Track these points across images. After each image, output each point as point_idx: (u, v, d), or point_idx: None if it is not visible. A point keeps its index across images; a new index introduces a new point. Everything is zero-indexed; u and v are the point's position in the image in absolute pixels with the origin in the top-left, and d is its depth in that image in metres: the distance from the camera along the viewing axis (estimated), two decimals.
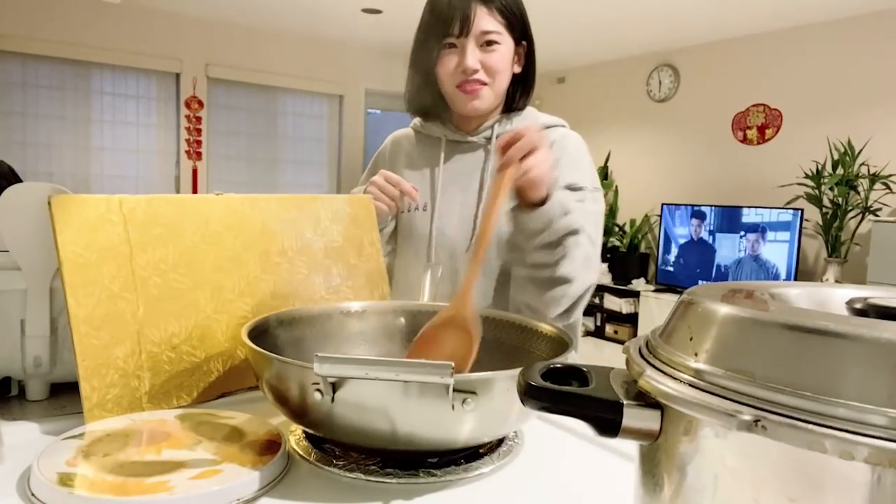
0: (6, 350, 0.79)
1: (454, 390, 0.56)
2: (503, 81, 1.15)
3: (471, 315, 0.76)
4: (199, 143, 5.17)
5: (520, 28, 1.15)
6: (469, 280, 0.79)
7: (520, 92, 1.21)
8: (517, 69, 1.18)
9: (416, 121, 1.29)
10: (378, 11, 4.62)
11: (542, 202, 0.96)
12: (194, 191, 5.13)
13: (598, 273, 1.09)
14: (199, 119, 5.16)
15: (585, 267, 1.02)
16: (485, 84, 1.13)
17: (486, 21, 1.10)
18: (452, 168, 1.22)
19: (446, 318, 0.77)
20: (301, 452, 0.67)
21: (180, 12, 4.94)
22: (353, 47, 5.75)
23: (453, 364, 0.54)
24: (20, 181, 2.08)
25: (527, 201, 0.97)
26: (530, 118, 1.21)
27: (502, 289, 1.13)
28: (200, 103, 5.16)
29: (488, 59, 1.12)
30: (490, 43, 1.11)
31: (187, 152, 5.14)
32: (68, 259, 0.71)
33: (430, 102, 1.20)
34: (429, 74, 1.16)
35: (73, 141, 4.74)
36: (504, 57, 1.13)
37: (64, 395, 0.83)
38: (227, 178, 5.33)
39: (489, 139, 1.20)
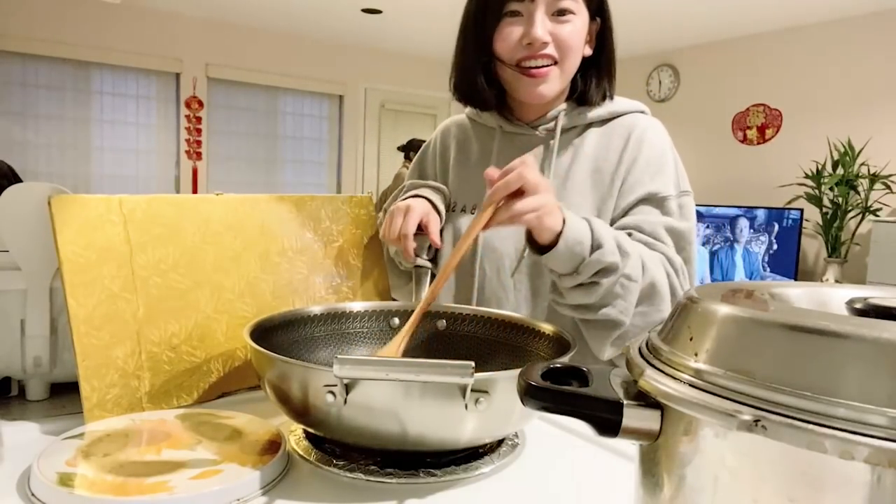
0: (6, 350, 0.79)
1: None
2: (574, 62, 0.96)
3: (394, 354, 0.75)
4: (199, 143, 5.17)
5: (597, 0, 0.97)
6: (408, 327, 0.77)
7: (594, 80, 1.00)
8: (587, 51, 0.98)
9: (469, 108, 1.10)
10: (378, 11, 4.62)
11: (553, 244, 0.79)
12: (194, 191, 5.13)
13: (671, 305, 0.86)
14: (199, 119, 5.16)
15: (647, 300, 0.85)
16: (554, 63, 0.94)
17: None
18: (509, 163, 1.10)
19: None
20: (301, 452, 0.67)
21: (180, 12, 4.95)
22: (353, 47, 5.75)
23: (473, 364, 0.54)
24: (20, 181, 2.09)
25: (536, 244, 0.81)
26: (603, 108, 1.01)
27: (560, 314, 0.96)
28: (200, 103, 5.16)
29: (560, 30, 0.92)
30: (563, 12, 0.92)
31: (187, 152, 5.14)
32: (68, 259, 0.71)
33: (482, 87, 0.99)
34: (482, 50, 0.96)
35: (73, 141, 4.74)
36: (579, 31, 0.94)
37: (64, 395, 0.83)
38: (227, 178, 5.33)
39: (552, 131, 1.01)
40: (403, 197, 1.02)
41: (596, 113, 1.00)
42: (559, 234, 0.78)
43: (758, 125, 4.73)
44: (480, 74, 0.99)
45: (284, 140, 5.63)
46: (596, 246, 0.80)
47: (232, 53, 5.23)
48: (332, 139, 5.89)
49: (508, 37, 0.93)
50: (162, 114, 5.08)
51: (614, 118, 1.01)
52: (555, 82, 0.95)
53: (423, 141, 5.51)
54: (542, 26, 0.91)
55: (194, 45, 5.08)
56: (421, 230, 0.93)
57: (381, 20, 4.84)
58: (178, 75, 5.08)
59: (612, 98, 1.02)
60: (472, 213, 1.03)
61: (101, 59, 4.75)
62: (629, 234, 0.91)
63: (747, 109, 4.78)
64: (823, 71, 4.39)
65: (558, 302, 0.88)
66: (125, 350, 0.74)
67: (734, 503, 0.32)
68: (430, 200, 0.98)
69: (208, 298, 0.82)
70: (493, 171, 0.75)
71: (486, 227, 0.75)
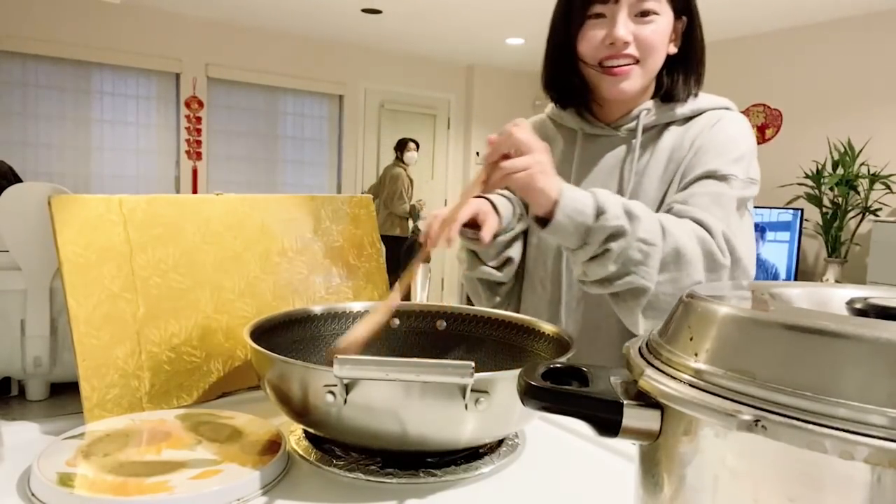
0: (6, 350, 0.79)
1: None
2: (657, 61, 0.97)
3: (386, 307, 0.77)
4: (199, 143, 5.17)
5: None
6: (403, 279, 0.79)
7: (679, 77, 1.00)
8: (672, 49, 0.99)
9: (550, 108, 1.12)
10: (378, 11, 4.62)
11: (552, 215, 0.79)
12: (194, 191, 5.13)
13: (705, 271, 0.85)
14: (199, 119, 5.16)
15: (673, 265, 0.83)
16: (636, 62, 0.95)
17: None
18: (589, 165, 1.04)
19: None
20: (301, 452, 0.67)
21: (180, 12, 4.94)
22: (353, 47, 5.75)
23: (473, 364, 0.54)
24: (20, 181, 2.08)
25: (534, 215, 0.82)
26: (688, 105, 1.01)
27: (602, 299, 0.95)
28: (200, 103, 5.16)
29: (642, 31, 0.93)
30: (646, 13, 0.93)
31: (187, 152, 5.14)
32: (68, 259, 0.71)
33: (570, 85, 1.03)
34: (569, 50, 0.99)
35: (73, 141, 4.74)
36: (661, 31, 0.95)
37: (64, 395, 0.83)
38: (227, 178, 5.33)
39: (633, 131, 1.01)
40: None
41: (679, 110, 1.01)
42: (554, 204, 0.79)
43: (758, 125, 4.73)
44: (567, 74, 1.02)
45: (284, 140, 5.63)
46: (599, 212, 0.79)
47: (232, 53, 5.23)
48: (332, 139, 5.89)
49: (592, 38, 0.95)
50: (162, 114, 5.08)
51: (697, 115, 1.01)
52: (636, 79, 0.97)
53: (411, 140, 5.45)
54: (625, 27, 0.93)
55: (194, 45, 5.08)
56: (476, 226, 0.92)
57: (381, 20, 4.84)
58: (178, 75, 5.08)
59: (696, 95, 1.02)
60: None
61: (101, 59, 4.75)
62: (669, 210, 0.91)
63: (747, 109, 4.77)
64: (823, 71, 4.39)
65: (584, 282, 0.87)
66: (125, 350, 0.74)
67: (734, 503, 0.32)
68: (491, 202, 0.97)
69: (208, 298, 0.82)
70: (492, 136, 0.78)
71: (483, 190, 0.78)
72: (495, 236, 0.97)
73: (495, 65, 6.35)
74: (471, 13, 4.57)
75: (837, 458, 0.27)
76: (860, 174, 4.02)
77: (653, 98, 1.02)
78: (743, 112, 4.68)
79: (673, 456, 0.35)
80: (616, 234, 0.80)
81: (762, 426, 0.29)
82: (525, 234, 1.08)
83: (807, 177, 4.19)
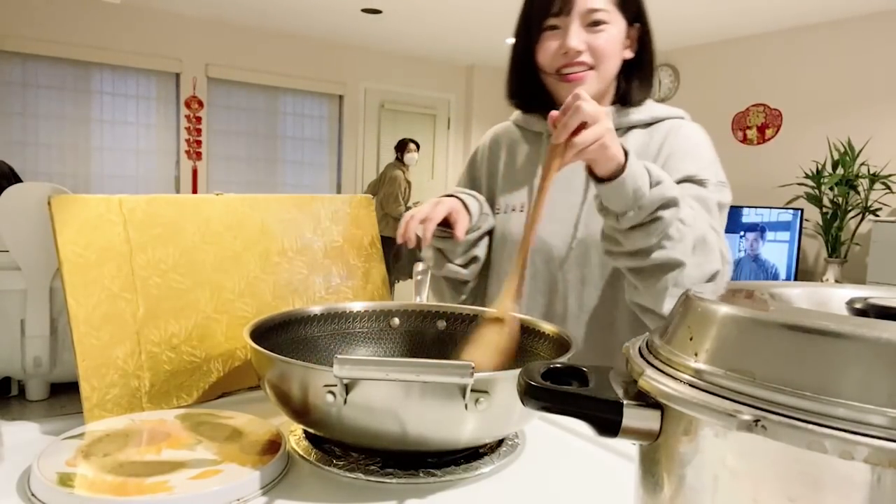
0: (6, 350, 0.79)
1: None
2: (611, 66, 1.02)
3: (508, 317, 0.77)
4: (199, 143, 5.17)
5: (634, 7, 1.03)
6: (510, 283, 0.78)
7: (635, 82, 1.07)
8: (628, 54, 1.05)
9: (516, 114, 1.18)
10: (378, 11, 4.62)
11: (618, 174, 0.81)
12: (194, 191, 5.13)
13: (724, 262, 0.90)
14: (199, 119, 5.16)
15: (699, 250, 0.86)
16: (591, 68, 1.01)
17: None
18: None
19: (490, 322, 0.78)
20: (301, 452, 0.66)
21: (180, 12, 4.95)
22: (353, 47, 5.75)
23: (473, 364, 0.54)
24: (20, 181, 2.08)
25: (598, 177, 0.82)
26: (645, 110, 1.07)
27: (610, 298, 1.01)
28: (200, 103, 5.16)
29: (594, 40, 0.99)
30: (597, 23, 0.99)
31: (187, 152, 5.14)
32: (68, 259, 0.71)
33: (532, 92, 1.09)
34: (529, 61, 1.05)
35: (73, 141, 4.74)
36: (613, 39, 1.01)
37: (64, 395, 0.83)
38: (227, 178, 5.33)
39: None
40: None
41: (638, 116, 1.06)
42: (623, 166, 0.80)
43: (758, 125, 4.73)
44: (529, 82, 1.08)
45: (284, 140, 5.63)
46: (656, 181, 0.82)
47: (232, 53, 5.23)
48: (332, 139, 5.89)
49: (548, 49, 1.02)
50: (162, 114, 5.08)
51: (656, 122, 1.07)
52: (592, 84, 1.02)
53: (411, 140, 5.43)
54: (577, 37, 0.99)
55: (194, 45, 5.08)
56: (448, 225, 0.97)
57: (381, 20, 4.84)
58: (178, 75, 5.08)
59: (646, 99, 1.08)
60: (521, 212, 1.09)
61: (101, 59, 4.75)
62: None
63: (747, 109, 4.78)
64: (823, 71, 4.39)
65: (613, 252, 0.89)
66: (125, 350, 0.74)
67: (734, 503, 0.32)
68: (461, 200, 1.02)
69: (208, 298, 0.82)
70: (554, 113, 0.79)
71: (560, 168, 0.78)
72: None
73: (495, 65, 6.35)
74: (471, 13, 4.57)
75: (837, 458, 0.27)
76: (860, 174, 4.02)
77: (613, 104, 1.08)
78: (743, 112, 4.64)
79: (673, 456, 0.35)
80: (668, 204, 0.82)
81: (762, 426, 0.29)
82: (490, 233, 1.12)
83: (807, 177, 4.19)
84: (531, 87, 1.08)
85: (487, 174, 1.18)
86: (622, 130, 1.06)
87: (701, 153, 1.02)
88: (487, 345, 0.75)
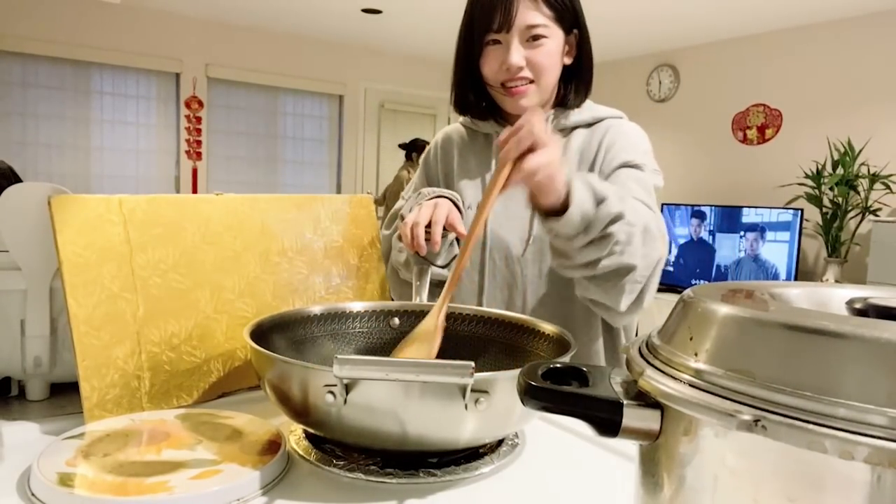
0: (6, 350, 0.79)
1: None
2: (550, 78, 1.07)
3: (434, 326, 0.77)
4: (199, 143, 5.17)
5: (570, 17, 1.06)
6: (445, 291, 0.78)
7: (574, 86, 1.12)
8: (567, 60, 1.10)
9: (464, 117, 1.21)
10: (378, 11, 4.62)
11: (563, 206, 0.81)
12: (194, 191, 5.13)
13: (666, 242, 0.95)
14: (199, 119, 5.16)
15: (645, 242, 0.89)
16: (531, 82, 1.05)
17: (531, 14, 1.01)
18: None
19: (422, 329, 0.79)
20: (301, 452, 0.67)
21: (180, 12, 4.94)
22: (353, 47, 5.75)
23: (473, 364, 0.54)
24: (20, 181, 2.08)
25: (543, 208, 0.83)
26: (586, 111, 1.13)
27: (566, 292, 1.04)
28: (200, 103, 5.16)
29: (534, 55, 1.03)
30: (536, 38, 1.03)
31: (187, 152, 5.14)
32: (68, 259, 0.71)
33: (477, 101, 1.14)
34: (473, 72, 1.09)
35: (73, 141, 4.74)
36: (552, 52, 1.05)
37: (64, 395, 0.83)
38: (227, 178, 5.33)
39: None
40: (426, 199, 1.04)
41: (579, 117, 1.12)
42: (566, 197, 0.81)
43: (758, 125, 4.73)
44: (474, 92, 1.12)
45: (284, 140, 5.63)
46: (600, 199, 0.83)
47: (232, 53, 5.23)
48: (332, 139, 5.89)
49: (491, 63, 1.06)
50: (162, 114, 5.08)
51: (597, 122, 1.12)
52: (534, 96, 1.07)
53: (428, 142, 5.45)
54: (518, 53, 1.03)
55: (194, 45, 5.08)
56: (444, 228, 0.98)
57: (381, 20, 4.84)
58: (178, 75, 5.07)
59: (584, 102, 1.13)
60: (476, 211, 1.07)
61: (101, 59, 4.74)
62: None
63: (747, 109, 4.77)
64: (823, 71, 4.39)
65: (565, 265, 0.90)
66: (125, 350, 0.74)
67: (734, 503, 0.32)
68: (452, 201, 1.04)
69: (208, 298, 0.82)
70: (504, 133, 0.78)
71: (503, 188, 0.77)
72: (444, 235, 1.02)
73: None
74: None
75: (837, 458, 0.27)
76: (860, 174, 4.02)
77: (554, 107, 1.13)
78: (743, 112, 4.65)
79: (673, 456, 0.35)
80: (615, 220, 0.84)
81: (762, 426, 0.29)
82: None
83: (807, 177, 4.19)
84: (477, 97, 1.13)
85: (443, 174, 1.21)
86: (566, 131, 1.12)
87: (637, 145, 1.08)
88: (417, 350, 0.77)
